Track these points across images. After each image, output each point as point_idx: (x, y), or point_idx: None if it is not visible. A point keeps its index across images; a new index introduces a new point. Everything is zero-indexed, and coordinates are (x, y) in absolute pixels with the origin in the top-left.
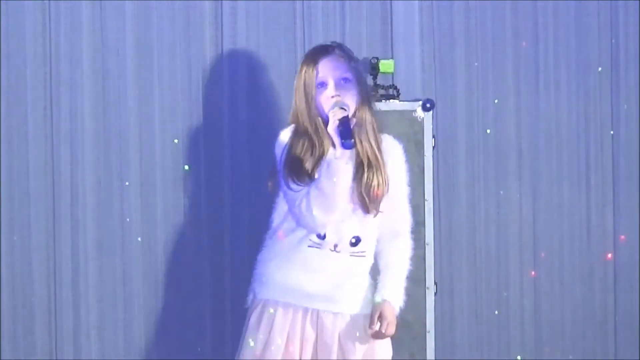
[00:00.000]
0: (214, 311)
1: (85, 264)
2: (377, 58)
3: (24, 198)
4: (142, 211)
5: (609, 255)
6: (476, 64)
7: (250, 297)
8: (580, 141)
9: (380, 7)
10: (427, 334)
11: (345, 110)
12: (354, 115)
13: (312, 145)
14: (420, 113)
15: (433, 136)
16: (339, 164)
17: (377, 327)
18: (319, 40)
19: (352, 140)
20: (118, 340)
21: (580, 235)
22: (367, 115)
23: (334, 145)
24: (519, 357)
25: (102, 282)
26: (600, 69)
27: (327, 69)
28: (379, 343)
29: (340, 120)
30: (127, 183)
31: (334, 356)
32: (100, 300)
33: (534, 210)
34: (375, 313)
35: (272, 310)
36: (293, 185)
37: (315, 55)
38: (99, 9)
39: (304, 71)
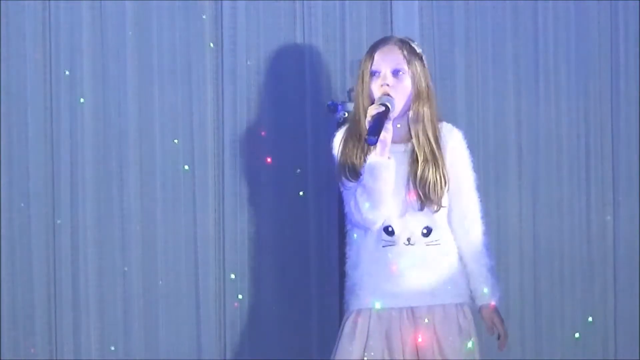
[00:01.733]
0: (214, 311)
1: (85, 264)
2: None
3: (24, 198)
4: (142, 211)
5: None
6: (476, 64)
7: (345, 308)
8: (580, 141)
9: (380, 7)
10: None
11: (384, 106)
12: (410, 109)
13: (361, 140)
14: None
15: None
16: (378, 159)
17: (496, 334)
18: (319, 40)
19: (376, 137)
20: (118, 340)
21: (580, 235)
22: (424, 110)
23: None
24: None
25: (102, 282)
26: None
27: (381, 59)
28: (467, 338)
29: (373, 115)
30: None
31: (434, 351)
32: (100, 300)
33: (534, 210)
34: (486, 320)
35: (370, 320)
36: (346, 183)
37: (374, 45)
38: (99, 9)
39: (363, 60)
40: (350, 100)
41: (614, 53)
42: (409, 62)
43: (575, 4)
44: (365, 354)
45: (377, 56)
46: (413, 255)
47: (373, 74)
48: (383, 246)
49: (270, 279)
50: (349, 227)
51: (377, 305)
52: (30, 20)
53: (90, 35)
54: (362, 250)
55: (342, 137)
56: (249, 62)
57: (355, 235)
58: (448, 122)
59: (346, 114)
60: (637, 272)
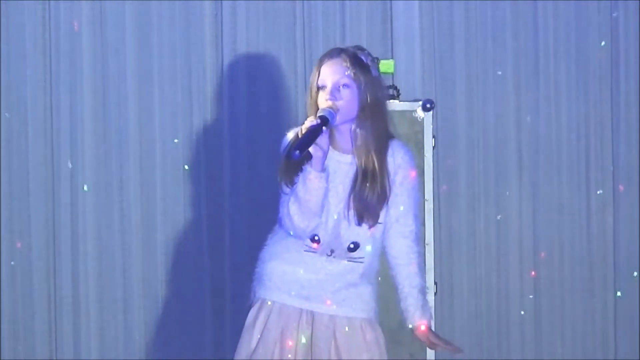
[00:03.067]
0: (214, 311)
1: (85, 264)
2: (377, 58)
3: (24, 198)
4: (142, 211)
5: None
6: (476, 64)
7: (252, 295)
8: (580, 141)
9: (380, 7)
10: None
11: (322, 119)
12: (355, 122)
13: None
14: (420, 113)
15: (433, 136)
16: (312, 172)
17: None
18: (319, 40)
19: (301, 152)
20: (118, 340)
21: (580, 235)
22: (368, 123)
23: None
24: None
25: (102, 282)
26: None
27: (327, 73)
28: (374, 348)
29: (307, 128)
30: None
31: (330, 357)
32: (100, 300)
33: (534, 210)
34: (423, 340)
35: (269, 304)
36: (284, 188)
37: (322, 57)
38: (99, 9)
39: (312, 73)
40: None
41: (614, 53)
42: (354, 75)
43: (575, 4)
44: (259, 346)
45: (323, 70)
46: (331, 266)
47: (319, 87)
48: (305, 251)
49: None
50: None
51: (269, 303)
52: (30, 20)
53: (90, 35)
54: (282, 245)
55: (289, 142)
56: (249, 62)
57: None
58: (448, 121)
59: None
60: (637, 272)
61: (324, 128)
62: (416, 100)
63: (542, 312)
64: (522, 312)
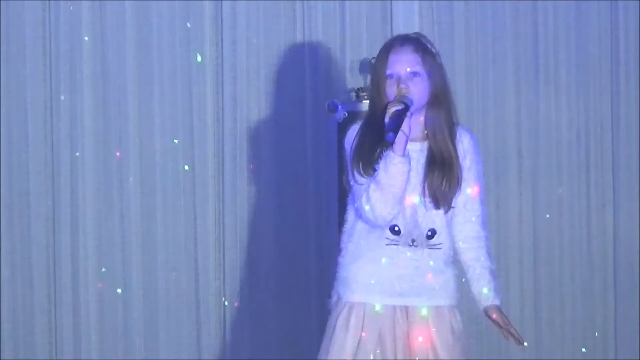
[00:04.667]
0: (214, 311)
1: (85, 264)
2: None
3: (24, 198)
4: (142, 211)
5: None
6: (476, 64)
7: (334, 299)
8: (580, 141)
9: (380, 7)
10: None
11: (403, 104)
12: (425, 110)
13: (380, 137)
14: None
15: None
16: (396, 157)
17: (507, 334)
18: (319, 40)
19: (394, 134)
20: (118, 340)
21: (580, 235)
22: (440, 111)
23: None
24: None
25: (102, 282)
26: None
27: (396, 61)
28: (460, 340)
29: (393, 112)
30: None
31: (427, 351)
32: (100, 300)
33: (534, 210)
34: (496, 320)
35: (364, 314)
36: (359, 178)
37: (388, 46)
38: (99, 9)
39: (377, 62)
40: (350, 99)
41: (614, 53)
42: (424, 63)
43: (575, 4)
44: (359, 348)
45: (392, 58)
46: (415, 256)
47: (388, 76)
48: (386, 244)
49: (271, 278)
50: (351, 219)
51: (377, 307)
52: (30, 20)
53: (90, 35)
54: (363, 245)
55: (357, 133)
56: (249, 62)
57: (357, 227)
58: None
59: (346, 114)
60: (637, 272)
61: (408, 112)
62: None
63: (542, 312)
64: (522, 312)
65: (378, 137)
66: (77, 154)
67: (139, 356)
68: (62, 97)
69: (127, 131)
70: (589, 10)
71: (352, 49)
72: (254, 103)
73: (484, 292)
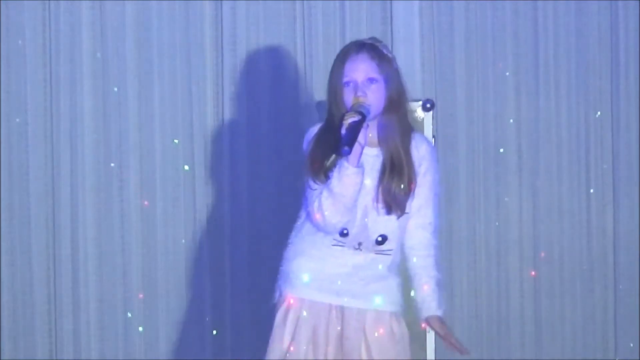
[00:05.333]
0: (214, 311)
1: (85, 264)
2: None
3: (24, 198)
4: (142, 211)
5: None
6: (476, 64)
7: (277, 294)
8: (580, 141)
9: (380, 7)
10: (427, 334)
11: (360, 114)
12: (381, 116)
13: (334, 145)
14: (420, 113)
15: (433, 136)
16: (350, 167)
17: (447, 344)
18: (319, 40)
19: (350, 148)
20: (118, 340)
21: (580, 235)
22: (394, 117)
23: None
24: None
25: (102, 282)
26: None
27: (353, 69)
28: (400, 344)
29: (349, 124)
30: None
31: (361, 353)
32: (100, 300)
33: (534, 210)
34: (437, 330)
35: (298, 301)
36: (311, 183)
37: (344, 53)
38: (99, 9)
39: (333, 69)
40: None
41: (614, 53)
42: (380, 69)
43: (575, 4)
44: (292, 344)
45: (349, 66)
46: (359, 259)
47: (345, 84)
48: (332, 245)
49: (271, 278)
50: (303, 217)
51: (305, 279)
52: (30, 20)
53: (90, 35)
54: (308, 242)
55: (313, 138)
56: (249, 62)
57: (307, 225)
58: (448, 121)
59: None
60: (637, 272)
61: (364, 123)
62: (416, 100)
63: (542, 312)
64: (522, 312)
65: (333, 145)
66: (77, 154)
67: (139, 356)
68: (62, 97)
69: (127, 131)
70: (589, 10)
71: None
72: (254, 103)
73: (427, 301)
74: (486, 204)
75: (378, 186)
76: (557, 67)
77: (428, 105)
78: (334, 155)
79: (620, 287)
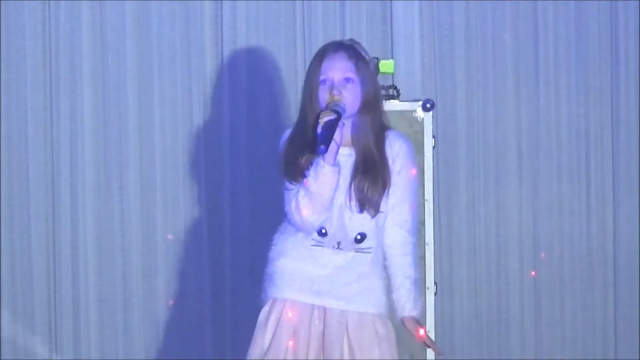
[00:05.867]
0: (214, 311)
1: (85, 264)
2: (377, 58)
3: (24, 198)
4: (142, 211)
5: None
6: (476, 64)
7: (262, 296)
8: (580, 141)
9: (380, 7)
10: (427, 334)
11: (335, 112)
12: (356, 115)
13: (309, 144)
14: (420, 113)
15: (433, 136)
16: (325, 166)
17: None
18: (319, 40)
19: (326, 147)
20: (118, 340)
21: (580, 235)
22: (368, 118)
23: None
24: None
25: (102, 282)
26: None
27: (330, 67)
28: (385, 343)
29: (325, 122)
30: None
31: (342, 353)
32: (100, 300)
33: (534, 210)
34: (411, 331)
35: (280, 302)
36: (288, 184)
37: (322, 52)
38: (99, 9)
39: (310, 67)
40: None
41: (614, 53)
42: (357, 69)
43: (575, 4)
44: (272, 344)
45: (326, 64)
46: (339, 259)
47: (321, 82)
48: (312, 245)
49: None
50: (285, 218)
51: (291, 297)
52: (30, 20)
53: (90, 35)
54: (290, 243)
55: (288, 138)
56: (249, 62)
57: (289, 226)
58: (448, 121)
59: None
60: (637, 272)
61: (339, 122)
62: (416, 100)
63: (542, 312)
64: (522, 312)
65: (307, 144)
66: (77, 154)
67: (139, 356)
68: (62, 97)
69: (127, 131)
70: (589, 10)
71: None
72: (254, 103)
73: (402, 301)
74: (486, 204)
75: (350, 185)
76: (557, 67)
77: (428, 105)
78: (307, 155)
79: (620, 287)
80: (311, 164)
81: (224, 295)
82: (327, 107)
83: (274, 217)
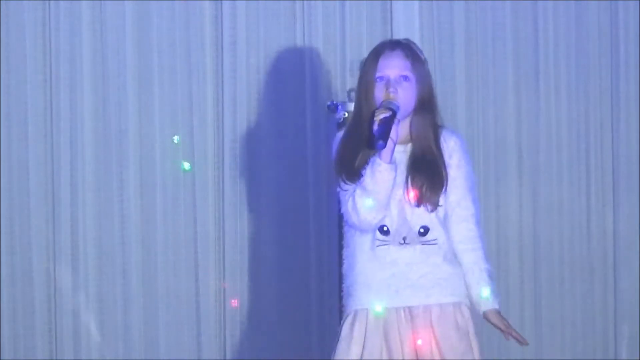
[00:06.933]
0: (214, 311)
1: (85, 263)
2: None
3: (24, 198)
4: (142, 211)
5: None
6: (476, 64)
7: (344, 312)
8: (580, 141)
9: (380, 7)
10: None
11: (391, 110)
12: (413, 114)
13: (365, 142)
14: None
15: None
16: (382, 163)
17: (508, 336)
18: (319, 40)
19: (384, 142)
20: (118, 340)
21: (580, 235)
22: (426, 116)
23: None
24: None
25: (102, 282)
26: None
27: (386, 65)
28: (464, 335)
29: (381, 120)
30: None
31: (432, 352)
32: (100, 300)
33: (534, 210)
34: (497, 325)
35: (367, 320)
36: (344, 185)
37: (379, 49)
38: (99, 9)
39: (366, 64)
40: (350, 100)
41: (614, 53)
42: (413, 68)
43: (575, 4)
44: (364, 354)
45: (382, 62)
46: (408, 254)
47: (378, 79)
48: (377, 246)
49: (271, 279)
50: (345, 228)
51: (378, 308)
52: (30, 20)
53: (90, 35)
54: (357, 251)
55: (341, 138)
56: (249, 62)
57: (350, 236)
58: (448, 121)
59: (346, 114)
60: (637, 272)
61: (395, 119)
62: None
63: (542, 312)
64: (522, 312)
65: (363, 142)
66: (77, 153)
67: (139, 356)
68: (62, 97)
69: (127, 131)
70: (589, 10)
71: (352, 49)
72: (254, 103)
73: (483, 295)
74: (486, 204)
75: (407, 180)
76: (557, 67)
77: None
78: (362, 154)
79: (620, 287)
80: (367, 163)
81: (225, 295)
82: (381, 105)
83: (274, 217)
